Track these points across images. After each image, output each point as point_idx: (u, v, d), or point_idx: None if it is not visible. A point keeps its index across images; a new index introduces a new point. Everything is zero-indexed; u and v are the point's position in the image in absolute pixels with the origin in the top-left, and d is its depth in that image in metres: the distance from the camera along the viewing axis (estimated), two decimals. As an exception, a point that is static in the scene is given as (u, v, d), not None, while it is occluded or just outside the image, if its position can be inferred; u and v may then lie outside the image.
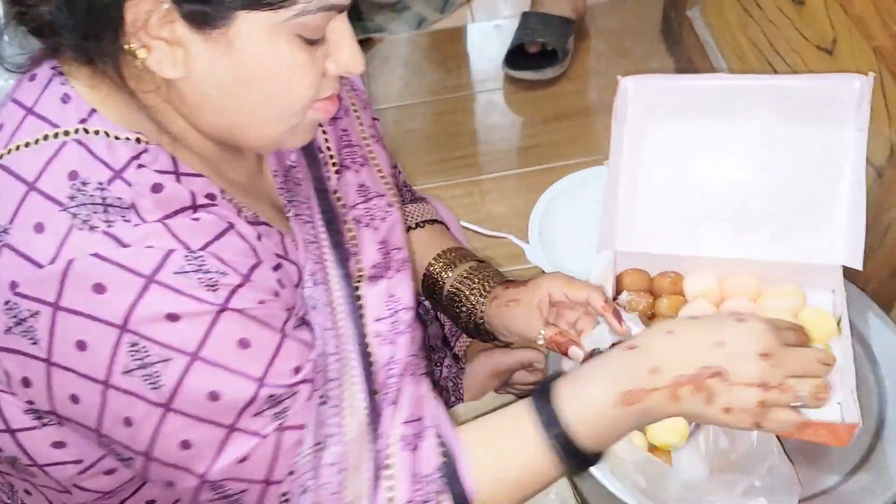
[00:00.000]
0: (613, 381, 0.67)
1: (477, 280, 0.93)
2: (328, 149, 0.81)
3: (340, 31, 0.64)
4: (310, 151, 0.80)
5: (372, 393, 0.68)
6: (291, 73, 0.62)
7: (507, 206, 1.51)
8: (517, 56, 1.69)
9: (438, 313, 1.11)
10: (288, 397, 0.62)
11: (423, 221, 1.02)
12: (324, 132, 0.82)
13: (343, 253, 0.75)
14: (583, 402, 0.67)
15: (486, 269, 0.95)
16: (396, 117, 1.74)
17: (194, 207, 0.62)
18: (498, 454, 0.68)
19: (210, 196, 0.65)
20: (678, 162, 0.93)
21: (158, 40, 0.58)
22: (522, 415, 0.67)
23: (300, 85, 0.63)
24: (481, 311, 0.92)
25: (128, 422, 0.60)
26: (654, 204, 0.94)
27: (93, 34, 0.59)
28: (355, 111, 0.87)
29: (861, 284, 0.94)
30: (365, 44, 1.81)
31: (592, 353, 0.82)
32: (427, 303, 1.07)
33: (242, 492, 0.63)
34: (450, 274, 0.96)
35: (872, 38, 0.91)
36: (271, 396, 0.61)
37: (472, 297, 0.93)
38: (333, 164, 0.81)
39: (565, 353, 0.83)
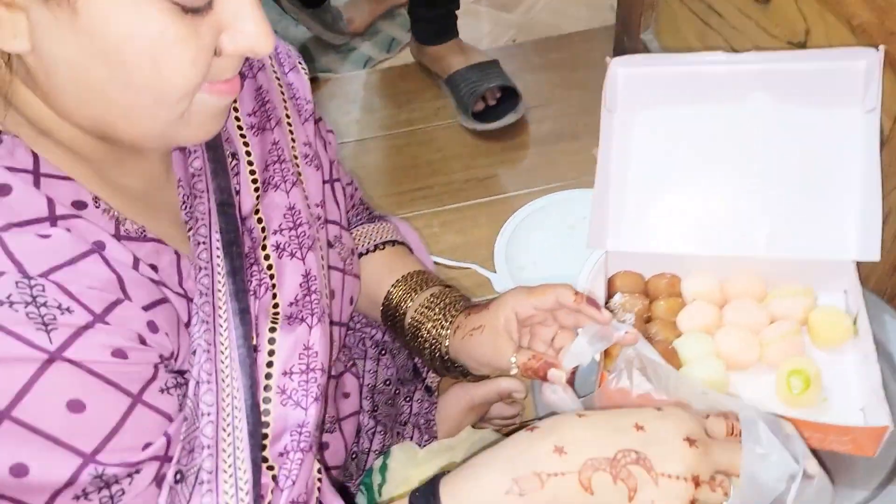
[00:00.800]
0: (507, 467, 0.54)
1: (438, 309, 0.81)
2: (250, 163, 0.68)
3: None
4: (217, 157, 0.66)
5: (258, 467, 0.55)
6: (163, 49, 0.49)
7: (469, 237, 1.42)
8: (478, 111, 1.64)
9: None
10: (125, 478, 0.49)
11: (383, 243, 0.91)
12: (245, 142, 0.68)
13: (240, 283, 0.61)
14: (470, 497, 0.55)
15: (450, 294, 0.84)
16: (350, 153, 1.66)
17: (51, 219, 0.49)
18: None
19: (77, 204, 0.52)
20: (672, 152, 0.85)
21: None
22: None
23: (176, 63, 0.50)
24: (446, 345, 0.80)
25: None
26: (647, 199, 0.85)
27: None
28: (289, 123, 0.74)
29: (861, 282, 0.86)
30: (313, 83, 1.73)
31: (575, 372, 0.71)
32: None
33: None
34: (411, 302, 0.84)
35: (853, 17, 0.85)
36: (100, 477, 0.47)
37: (434, 330, 0.81)
38: (254, 182, 0.67)
39: (544, 378, 0.70)
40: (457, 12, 1.73)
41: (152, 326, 0.52)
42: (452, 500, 0.55)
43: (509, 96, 1.62)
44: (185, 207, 0.64)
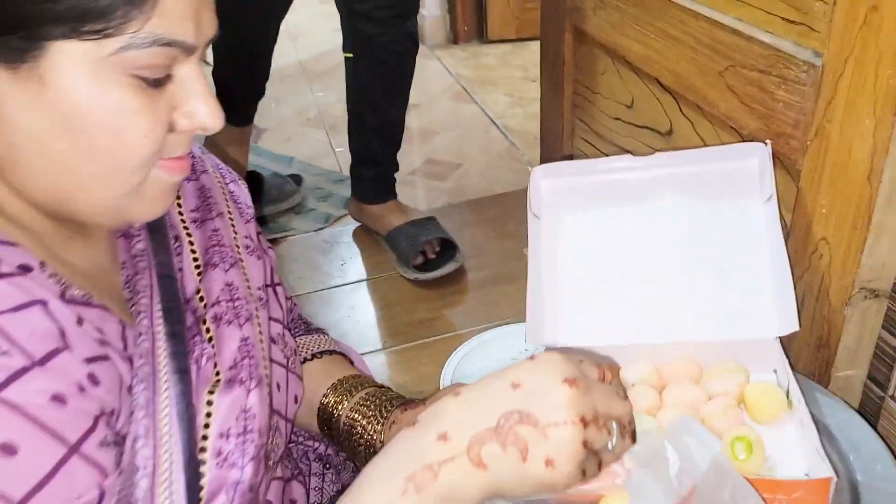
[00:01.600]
0: (396, 469, 0.53)
1: (374, 406, 0.81)
2: (192, 248, 0.71)
3: (191, 77, 0.55)
4: (159, 237, 0.69)
5: None
6: (123, 120, 0.52)
7: (413, 375, 1.43)
8: (419, 264, 1.72)
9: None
10: None
11: (320, 352, 0.92)
12: (188, 232, 0.72)
13: (180, 346, 0.62)
14: None
15: (385, 393, 0.83)
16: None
17: None
18: None
19: (23, 267, 0.52)
20: (598, 251, 0.92)
21: None
22: None
23: (134, 134, 0.53)
24: (381, 441, 0.79)
25: None
26: (579, 295, 0.90)
27: None
28: (230, 218, 0.77)
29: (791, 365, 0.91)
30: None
31: None
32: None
33: None
34: (346, 403, 0.84)
35: (742, 128, 0.96)
36: None
37: (369, 427, 0.80)
38: (196, 264, 0.70)
39: None
40: (395, 174, 1.85)
41: (93, 379, 0.51)
42: None
43: (447, 248, 1.70)
44: (129, 287, 0.65)
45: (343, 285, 1.73)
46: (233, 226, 0.77)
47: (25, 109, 0.50)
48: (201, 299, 0.67)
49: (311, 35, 3.43)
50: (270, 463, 0.72)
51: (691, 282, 0.89)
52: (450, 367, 1.36)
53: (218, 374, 0.63)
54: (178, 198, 0.73)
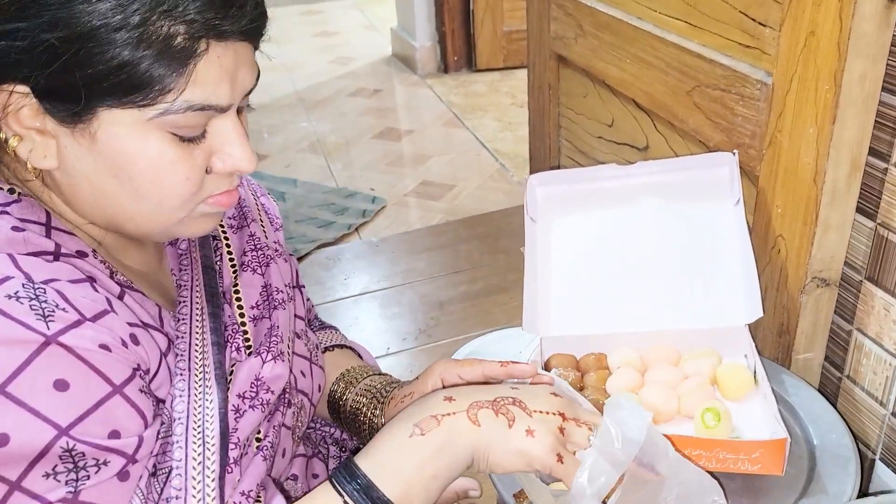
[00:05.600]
0: (408, 417, 0.65)
1: (375, 390, 0.90)
2: (228, 247, 0.80)
3: (225, 128, 0.62)
4: (201, 238, 0.79)
5: (224, 462, 0.64)
6: (161, 169, 0.60)
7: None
8: None
9: None
10: (93, 464, 0.55)
11: (332, 346, 1.01)
12: (225, 235, 0.81)
13: (219, 324, 0.72)
14: (380, 449, 0.64)
15: (386, 379, 0.92)
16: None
17: (55, 256, 0.59)
18: None
19: (80, 253, 0.62)
20: (588, 249, 1.02)
21: (30, 130, 0.58)
22: (332, 498, 0.63)
23: (173, 182, 0.61)
24: (381, 422, 0.87)
25: None
26: (571, 290, 1.01)
27: None
28: (262, 225, 0.88)
29: (758, 350, 1.01)
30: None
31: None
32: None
33: None
34: (350, 391, 0.92)
35: (709, 140, 1.08)
36: (69, 452, 0.53)
37: (371, 408, 0.88)
38: (232, 263, 0.80)
39: None
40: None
41: (134, 339, 0.60)
42: (366, 459, 0.63)
43: None
44: (177, 285, 0.75)
45: (346, 298, 1.83)
46: (264, 232, 0.87)
47: (81, 158, 0.60)
48: (238, 299, 0.77)
49: (306, 67, 3.57)
50: (296, 437, 0.82)
51: (670, 277, 1.00)
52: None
53: (249, 348, 0.73)
54: None
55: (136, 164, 0.59)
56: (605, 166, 1.02)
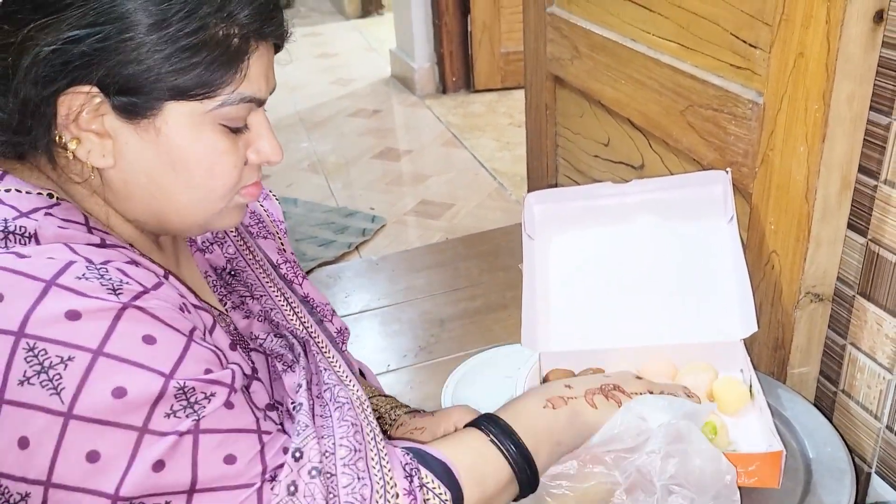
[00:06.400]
0: (538, 394, 0.79)
1: (383, 410, 0.94)
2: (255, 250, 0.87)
3: (259, 123, 0.69)
4: (242, 242, 0.86)
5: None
6: (215, 159, 0.66)
7: (416, 393, 1.54)
8: None
9: None
10: (203, 397, 0.59)
11: None
12: (249, 248, 0.87)
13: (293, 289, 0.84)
14: (517, 411, 0.76)
15: (393, 401, 0.96)
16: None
17: (101, 245, 0.63)
18: (474, 462, 0.71)
19: (120, 247, 0.66)
20: (585, 265, 1.04)
21: (88, 132, 0.62)
22: (479, 436, 0.73)
23: (223, 170, 0.67)
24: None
25: (23, 443, 0.54)
26: (568, 306, 1.02)
27: (24, 129, 0.62)
28: (279, 236, 0.93)
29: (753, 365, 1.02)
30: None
31: None
32: None
33: None
34: None
35: (702, 159, 1.10)
36: (182, 390, 0.58)
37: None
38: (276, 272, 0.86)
39: None
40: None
41: (185, 308, 0.64)
42: (505, 413, 0.75)
43: None
44: (220, 290, 0.80)
45: (347, 315, 1.84)
46: (281, 243, 0.92)
47: (141, 152, 0.64)
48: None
49: (307, 88, 3.60)
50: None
51: (666, 293, 1.02)
52: (449, 385, 1.47)
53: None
54: None
55: (193, 154, 0.65)
56: (601, 184, 1.04)
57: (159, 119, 0.63)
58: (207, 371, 0.60)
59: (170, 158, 0.64)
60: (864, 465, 1.00)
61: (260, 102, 0.68)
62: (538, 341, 1.00)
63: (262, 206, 0.93)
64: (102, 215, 0.68)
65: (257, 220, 0.91)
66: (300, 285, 0.89)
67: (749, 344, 0.97)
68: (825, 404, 1.04)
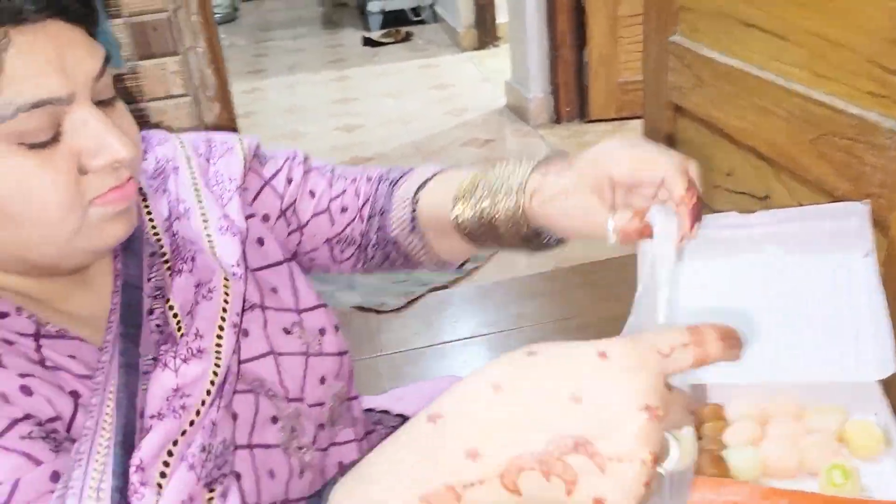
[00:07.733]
0: (412, 483, 0.42)
1: (496, 187, 0.76)
2: (163, 253, 0.71)
3: (83, 121, 0.56)
4: (131, 251, 0.70)
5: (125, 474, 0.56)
6: (24, 184, 0.54)
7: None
8: None
9: None
10: None
11: (424, 181, 0.85)
12: (160, 243, 0.72)
13: (130, 345, 0.62)
14: None
15: (492, 171, 0.78)
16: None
17: None
18: None
19: (1, 314, 0.58)
20: (707, 297, 1.01)
21: None
22: None
23: (41, 193, 0.55)
24: (520, 215, 0.75)
25: None
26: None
27: None
28: (202, 208, 0.75)
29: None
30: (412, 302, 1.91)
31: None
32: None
33: None
34: (468, 205, 0.78)
35: (835, 190, 1.05)
36: None
37: (501, 211, 0.75)
38: (168, 269, 0.70)
39: (650, 236, 0.73)
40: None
41: (25, 390, 0.55)
42: None
43: None
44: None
45: (454, 341, 1.86)
46: (203, 214, 0.74)
47: None
48: (171, 307, 0.67)
49: (422, 119, 3.69)
50: (293, 447, 0.74)
51: (794, 328, 0.98)
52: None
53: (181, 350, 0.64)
54: (149, 213, 0.73)
55: (1, 189, 0.54)
56: (726, 214, 1.02)
57: None
58: None
59: None
60: None
61: (61, 102, 0.54)
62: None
63: (206, 171, 0.78)
64: None
65: (175, 205, 0.75)
66: (190, 272, 0.70)
67: (887, 386, 0.91)
68: (971, 456, 0.96)
